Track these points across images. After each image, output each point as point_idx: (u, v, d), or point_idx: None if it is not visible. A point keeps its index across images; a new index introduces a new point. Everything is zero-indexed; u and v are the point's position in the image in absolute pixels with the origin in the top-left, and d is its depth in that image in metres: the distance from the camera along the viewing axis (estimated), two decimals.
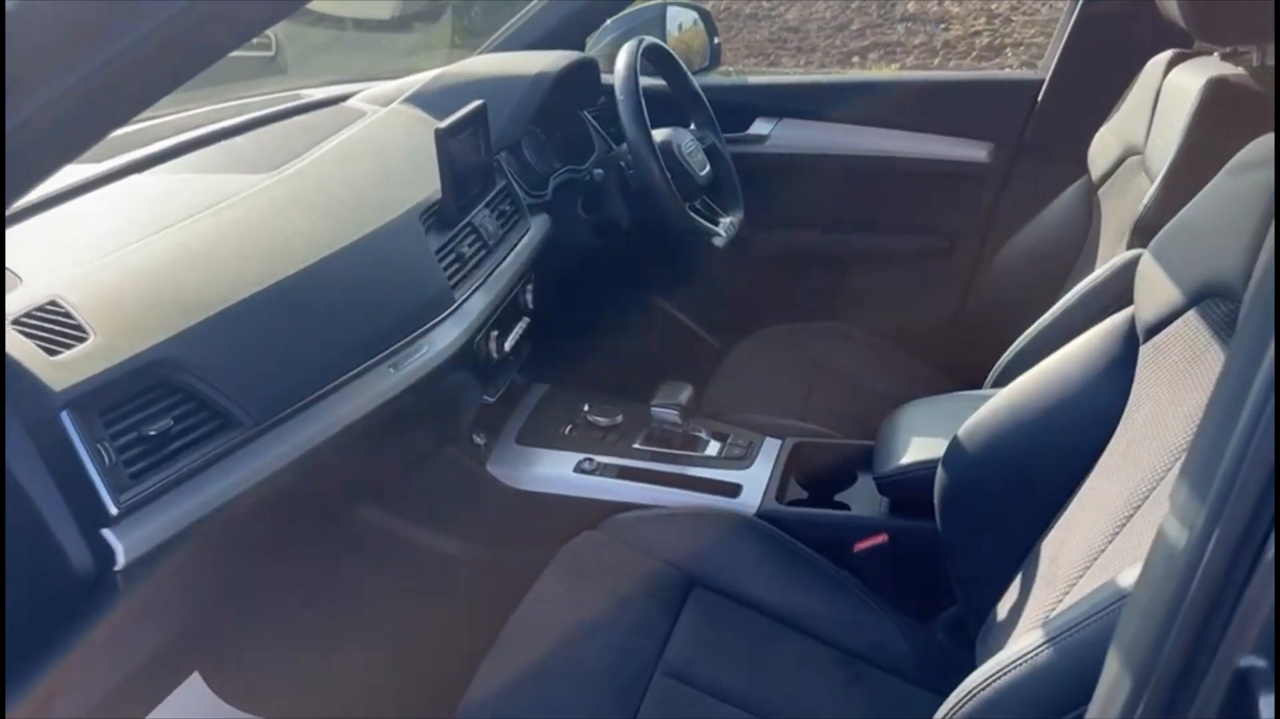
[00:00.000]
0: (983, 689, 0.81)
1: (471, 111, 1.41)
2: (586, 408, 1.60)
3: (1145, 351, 1.08)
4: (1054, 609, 1.03)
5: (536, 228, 1.63)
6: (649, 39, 1.74)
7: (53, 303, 0.92)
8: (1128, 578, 0.76)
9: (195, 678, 1.57)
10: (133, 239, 1.05)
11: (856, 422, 1.70)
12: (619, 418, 1.57)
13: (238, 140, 1.43)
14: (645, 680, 1.16)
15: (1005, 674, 0.80)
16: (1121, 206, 1.65)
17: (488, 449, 1.51)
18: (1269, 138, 0.97)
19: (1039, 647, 0.79)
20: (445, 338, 1.27)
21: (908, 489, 1.35)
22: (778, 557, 1.34)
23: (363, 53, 2.00)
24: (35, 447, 0.83)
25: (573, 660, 1.17)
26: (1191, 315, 1.01)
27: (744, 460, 1.50)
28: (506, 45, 2.00)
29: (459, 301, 1.31)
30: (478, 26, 2.34)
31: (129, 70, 0.69)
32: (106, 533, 0.86)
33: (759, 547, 1.35)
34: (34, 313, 0.90)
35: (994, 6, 13.62)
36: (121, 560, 0.86)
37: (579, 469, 1.48)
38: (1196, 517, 0.58)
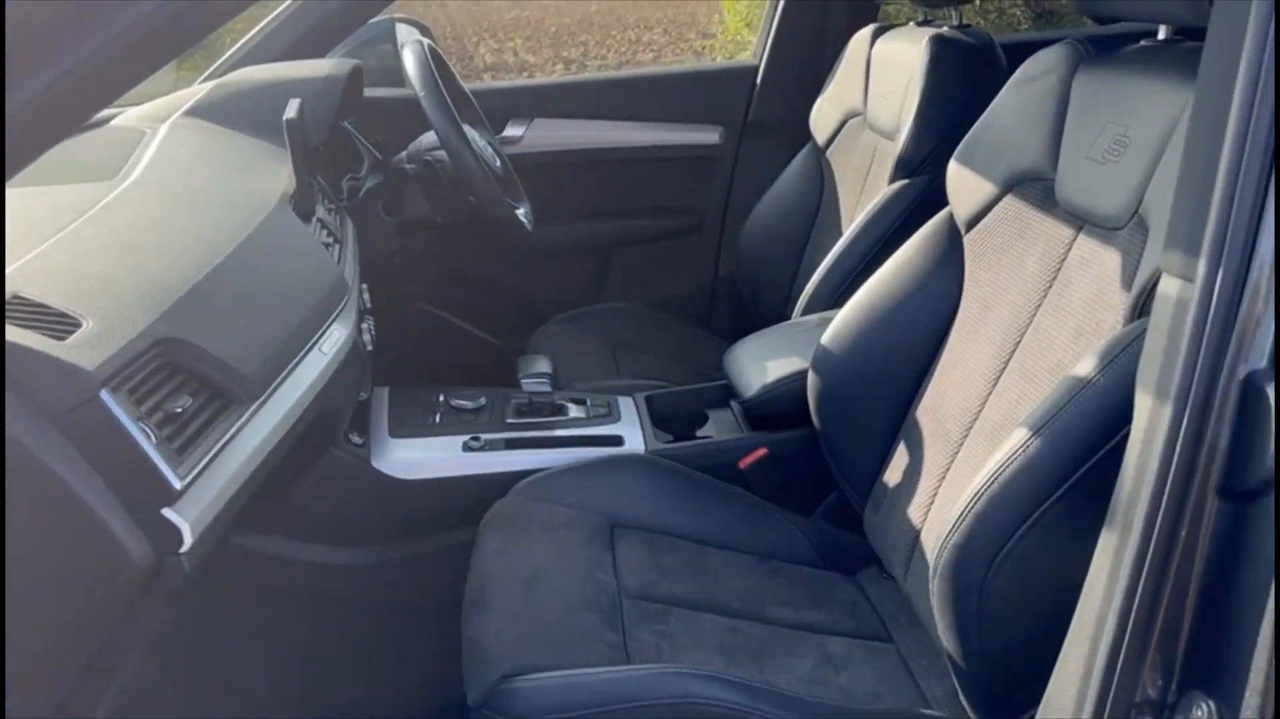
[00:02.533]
0: (989, 487, 0.99)
1: (301, 106, 1.38)
2: (443, 397, 1.60)
3: (970, 240, 1.33)
4: (955, 454, 1.25)
5: (351, 229, 1.61)
6: (427, 41, 1.78)
7: (16, 296, 0.82)
8: (1083, 369, 0.97)
9: None
10: (47, 237, 0.95)
11: (666, 377, 1.86)
12: (482, 399, 1.59)
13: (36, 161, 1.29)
14: (618, 604, 1.23)
15: (1006, 469, 0.98)
16: (852, 160, 1.96)
17: (366, 449, 1.47)
18: (1048, 51, 1.26)
19: (1026, 440, 0.98)
20: (346, 326, 1.24)
21: (776, 405, 1.52)
22: (680, 486, 1.45)
23: None
24: (70, 438, 0.75)
25: (548, 599, 1.21)
26: (1009, 200, 1.28)
27: (611, 417, 1.59)
28: (245, 62, 1.93)
29: (352, 289, 1.29)
30: (204, 47, 2.17)
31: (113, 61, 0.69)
32: (169, 513, 0.78)
33: (662, 480, 1.45)
34: (13, 304, 0.80)
35: (566, 55, 14.60)
36: (189, 539, 0.79)
37: (467, 448, 1.48)
38: (1194, 269, 0.79)
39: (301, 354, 1.08)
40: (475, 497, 1.42)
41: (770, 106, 2.21)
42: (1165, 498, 0.80)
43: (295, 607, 1.40)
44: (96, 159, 1.32)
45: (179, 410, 0.83)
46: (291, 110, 1.33)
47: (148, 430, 0.79)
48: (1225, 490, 0.79)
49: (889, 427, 1.38)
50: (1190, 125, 0.84)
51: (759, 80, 2.21)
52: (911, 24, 1.87)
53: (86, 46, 0.65)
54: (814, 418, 1.42)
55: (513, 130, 2.15)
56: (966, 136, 1.35)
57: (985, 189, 1.30)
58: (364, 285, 1.57)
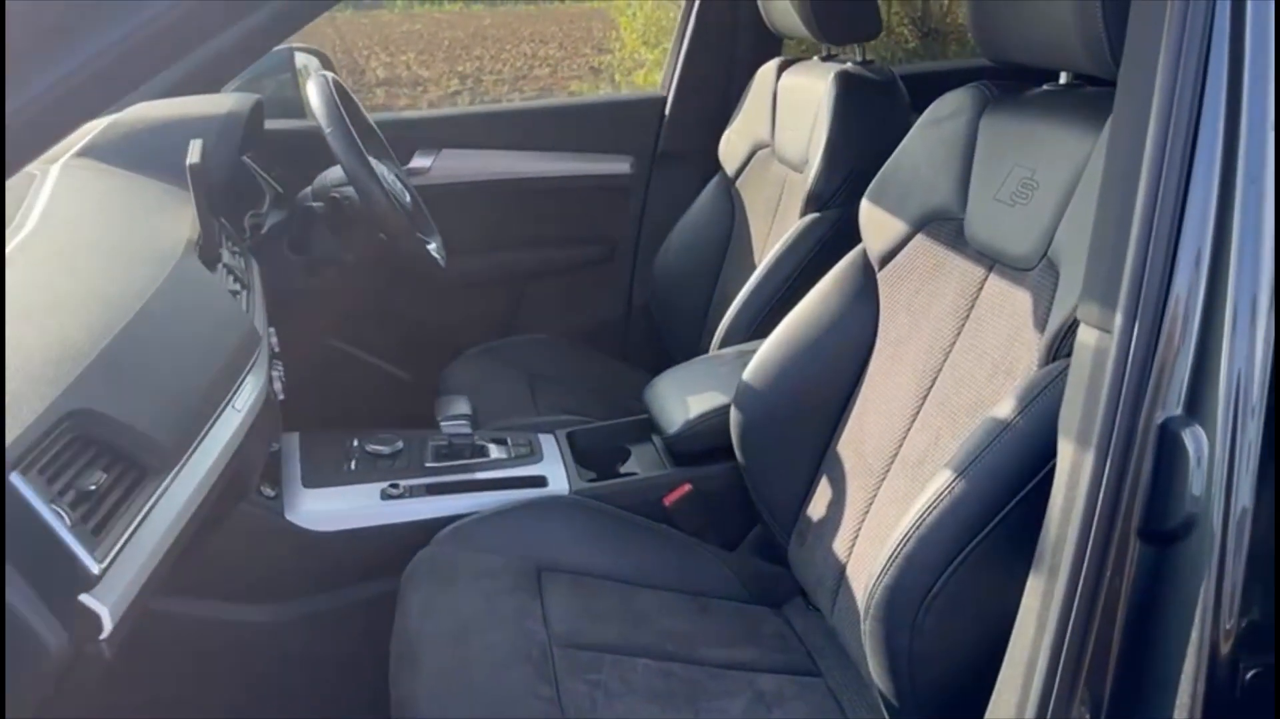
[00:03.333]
0: (916, 529, 1.01)
1: (204, 149, 1.33)
2: (357, 442, 1.56)
3: (883, 277, 1.36)
4: (879, 487, 1.27)
5: (255, 270, 1.56)
6: (330, 75, 1.74)
7: None
8: (1002, 412, 1.00)
9: None
10: None
11: (585, 410, 1.85)
12: (399, 444, 1.56)
13: None
14: (549, 655, 1.21)
15: (932, 511, 1.00)
16: (763, 191, 1.98)
17: (279, 500, 1.42)
18: (954, 94, 1.29)
19: (950, 483, 1.00)
20: (259, 377, 1.20)
21: (699, 440, 1.53)
22: (605, 526, 1.45)
23: None
24: None
25: (482, 648, 1.18)
26: (920, 239, 1.31)
27: (533, 456, 1.58)
28: (138, 95, 1.85)
29: (263, 339, 1.24)
30: None
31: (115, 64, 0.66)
32: (87, 599, 0.74)
33: (587, 522, 1.44)
34: None
35: (460, 69, 14.43)
36: (109, 625, 0.75)
37: (386, 496, 1.45)
38: (1113, 322, 0.82)
39: (216, 414, 1.03)
40: (396, 546, 1.38)
41: (680, 137, 2.23)
42: (1090, 541, 0.83)
43: (216, 667, 1.35)
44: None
45: (92, 488, 0.79)
46: (194, 154, 1.28)
47: (61, 512, 0.74)
48: (1146, 532, 0.82)
49: (811, 460, 1.40)
50: (1103, 181, 0.88)
51: (668, 111, 2.22)
52: (815, 58, 1.91)
53: (95, 45, 0.62)
54: (737, 453, 1.43)
55: (420, 161, 2.11)
56: (877, 175, 1.38)
57: (897, 227, 1.33)
58: (271, 329, 1.52)
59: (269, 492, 1.41)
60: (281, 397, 1.38)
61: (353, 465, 1.51)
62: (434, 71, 13.82)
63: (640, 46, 6.39)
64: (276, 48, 2.12)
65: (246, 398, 1.14)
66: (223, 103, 1.63)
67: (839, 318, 1.38)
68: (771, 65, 1.97)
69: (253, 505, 1.36)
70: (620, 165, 2.22)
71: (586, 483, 1.54)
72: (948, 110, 1.30)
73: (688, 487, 1.51)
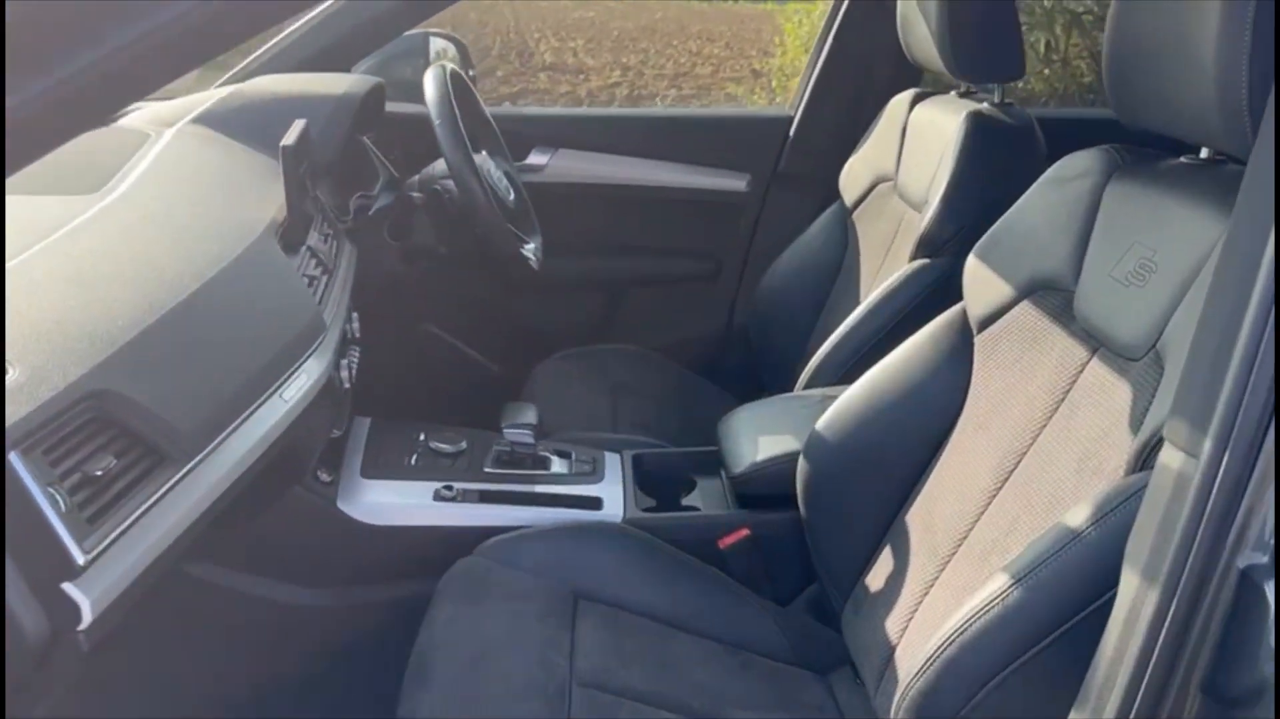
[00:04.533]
0: (960, 634, 0.92)
1: (304, 129, 1.34)
2: (424, 436, 1.55)
3: (980, 341, 1.26)
4: (942, 569, 1.18)
5: (350, 254, 1.56)
6: (451, 65, 1.73)
7: None
8: (1074, 520, 0.90)
9: None
10: (21, 263, 0.91)
11: (670, 434, 1.79)
12: (463, 443, 1.54)
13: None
14: (566, 693, 1.16)
15: (982, 616, 0.91)
16: (879, 226, 1.89)
17: (334, 487, 1.42)
18: (1085, 154, 1.18)
19: (1006, 589, 0.91)
20: (319, 365, 1.19)
21: (765, 484, 1.45)
22: (653, 561, 1.39)
23: None
24: None
25: (491, 682, 1.15)
26: (1025, 306, 1.20)
27: (594, 475, 1.54)
28: (271, 65, 1.90)
29: (329, 327, 1.24)
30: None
31: (140, 58, 0.64)
32: (69, 588, 0.73)
33: (634, 553, 1.39)
34: None
35: (625, 60, 14.55)
36: (88, 617, 0.74)
37: (439, 497, 1.43)
38: (1201, 447, 0.72)
39: (258, 402, 1.03)
40: (440, 549, 1.36)
41: (801, 159, 2.14)
42: (1142, 690, 0.73)
43: (239, 641, 1.36)
44: (89, 165, 1.28)
45: (99, 473, 0.78)
46: (291, 136, 1.28)
47: (58, 497, 0.74)
48: (1211, 690, 0.72)
49: (877, 526, 1.31)
50: (1214, 276, 0.77)
51: (792, 131, 2.14)
52: (954, 93, 1.80)
53: (112, 41, 0.61)
54: (800, 505, 1.36)
55: (536, 158, 2.09)
56: (989, 231, 1.28)
57: (1002, 290, 1.23)
58: (355, 314, 1.52)
59: (325, 477, 1.41)
60: (348, 385, 1.37)
61: (413, 460, 1.50)
62: (599, 61, 13.96)
63: (802, 54, 6.28)
64: (412, 31, 2.14)
65: (299, 387, 1.13)
66: (340, 83, 1.65)
67: (927, 378, 1.29)
68: (905, 96, 1.87)
69: (305, 490, 1.37)
70: (736, 182, 2.16)
71: (642, 511, 1.48)
72: (1073, 171, 1.19)
73: (745, 531, 1.44)
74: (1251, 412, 0.69)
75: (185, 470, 0.88)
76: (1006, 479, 1.14)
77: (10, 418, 0.72)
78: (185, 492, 0.88)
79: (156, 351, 0.90)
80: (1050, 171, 1.23)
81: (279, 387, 1.08)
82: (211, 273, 1.05)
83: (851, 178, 2.00)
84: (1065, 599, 0.87)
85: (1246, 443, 0.69)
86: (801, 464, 1.35)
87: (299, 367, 1.14)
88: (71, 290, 0.90)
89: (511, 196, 1.78)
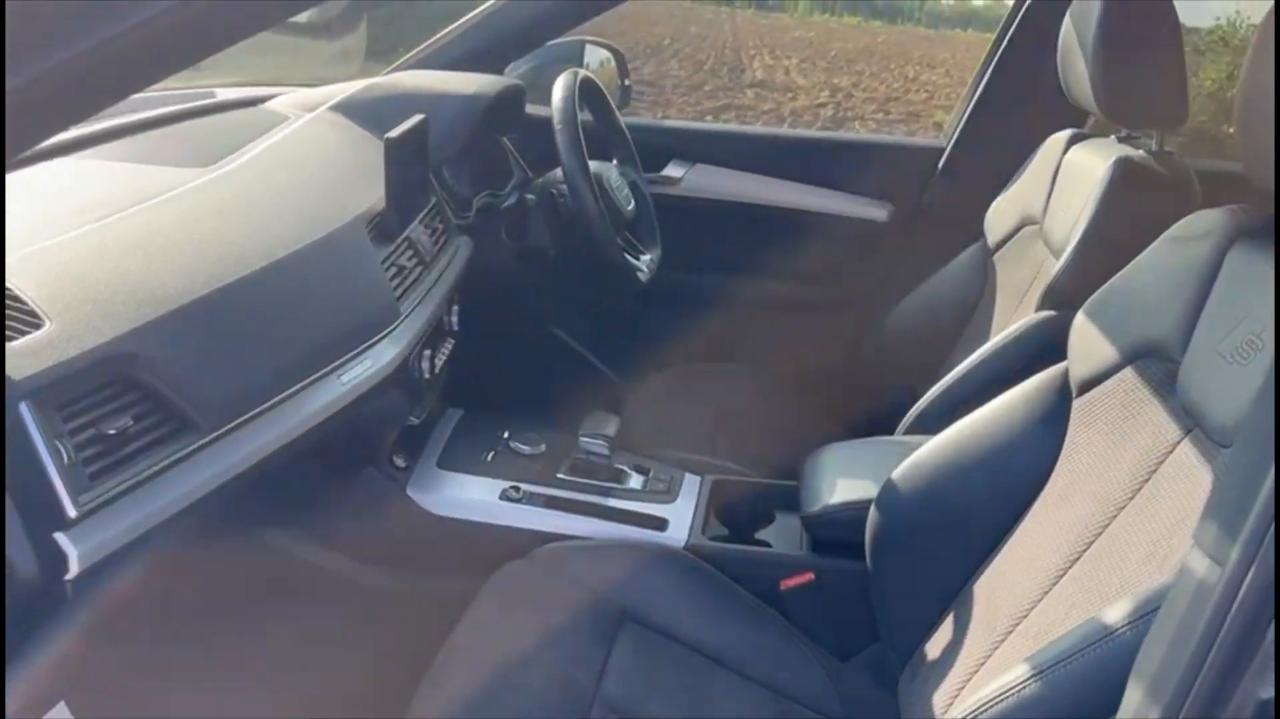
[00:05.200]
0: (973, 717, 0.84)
1: (416, 124, 1.38)
2: (507, 434, 1.56)
3: (1078, 405, 1.15)
4: (995, 648, 1.08)
5: (463, 249, 1.60)
6: (584, 72, 1.75)
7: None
8: (1112, 615, 0.80)
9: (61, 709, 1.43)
10: (77, 225, 0.97)
11: (763, 461, 1.74)
12: (542, 446, 1.54)
13: (163, 133, 1.35)
14: (585, 713, 1.14)
15: (994, 705, 0.83)
16: (1018, 271, 1.76)
17: (408, 473, 1.45)
18: (1209, 213, 1.06)
19: (1025, 680, 0.82)
20: (388, 353, 1.22)
21: (836, 529, 1.38)
22: (707, 592, 1.35)
23: (277, 56, 1.92)
24: None
25: (514, 689, 1.14)
26: (1127, 373, 1.09)
27: (668, 495, 1.51)
28: (426, 63, 1.96)
29: (404, 315, 1.27)
30: (395, 41, 2.27)
31: (126, 51, 0.66)
32: (60, 538, 0.77)
33: (689, 581, 1.35)
34: None
35: (836, 81, 14.36)
36: (74, 568, 0.78)
37: (505, 497, 1.44)
38: (1228, 554, 0.62)
39: (306, 382, 1.06)
40: (496, 548, 1.37)
41: (947, 193, 2.03)
42: None
43: (285, 604, 1.40)
44: (218, 142, 1.36)
45: (112, 432, 0.82)
46: (399, 129, 1.32)
47: (64, 449, 0.78)
48: None
49: (944, 591, 1.21)
50: (1272, 377, 0.67)
51: (942, 163, 2.04)
52: (1113, 137, 1.66)
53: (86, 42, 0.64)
54: (867, 557, 1.28)
55: (673, 170, 2.08)
56: (1103, 288, 1.17)
57: (1106, 353, 1.12)
58: (455, 307, 1.56)
59: (400, 462, 1.45)
60: (428, 375, 1.40)
61: (490, 457, 1.52)
62: (810, 80, 13.83)
63: None
64: (569, 37, 2.17)
65: (362, 372, 1.16)
66: (473, 83, 1.69)
67: (1016, 439, 1.19)
68: (1062, 136, 1.74)
69: (378, 472, 1.40)
70: (878, 211, 2.07)
71: (707, 539, 1.44)
72: (1196, 230, 1.07)
73: (810, 576, 1.37)
74: None
75: (209, 439, 0.92)
76: (1076, 560, 1.03)
77: (30, 370, 0.77)
78: (207, 460, 0.91)
79: (201, 322, 0.94)
80: (1175, 229, 1.11)
81: (336, 369, 1.11)
82: (282, 253, 1.09)
83: (997, 217, 1.88)
84: (1083, 700, 0.77)
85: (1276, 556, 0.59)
86: (872, 513, 1.28)
87: (363, 351, 1.17)
88: (135, 257, 0.96)
89: (631, 206, 1.77)
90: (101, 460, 0.82)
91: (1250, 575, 0.60)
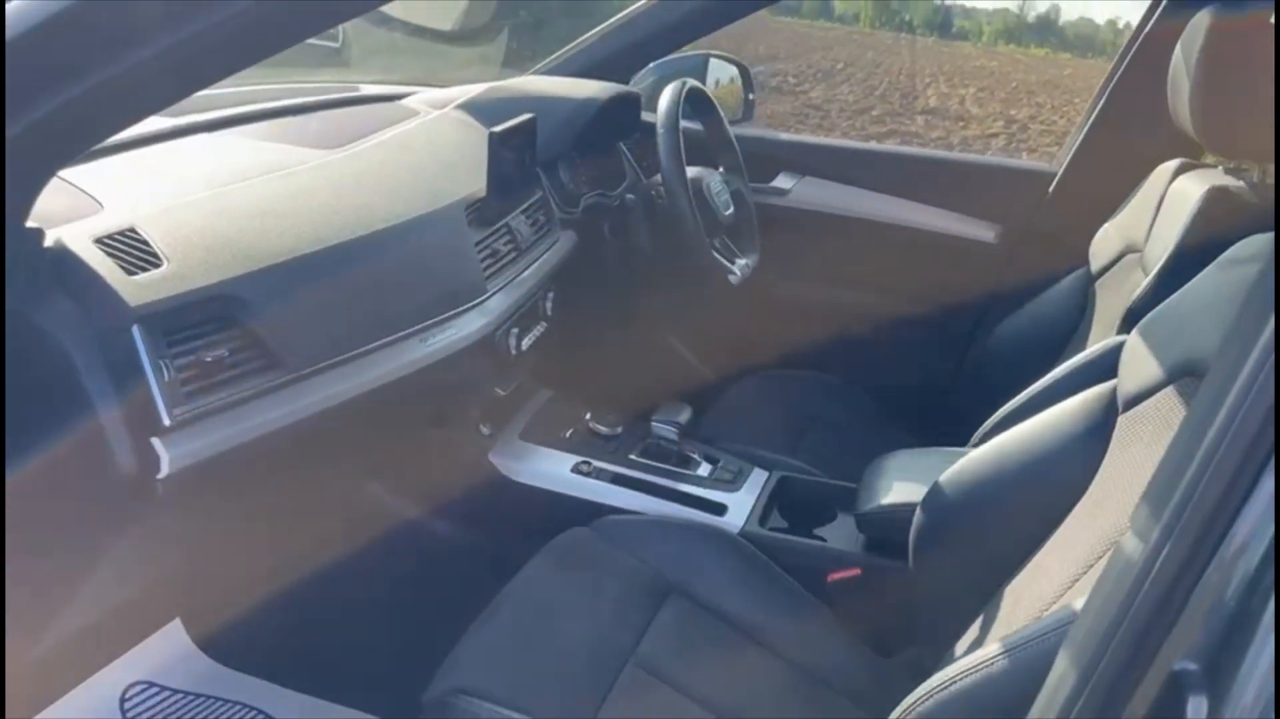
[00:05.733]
0: (940, 691, 0.88)
1: (522, 122, 1.50)
2: (589, 416, 1.67)
3: (1123, 422, 1.16)
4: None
5: (564, 241, 1.72)
6: (693, 82, 1.84)
7: (131, 229, 0.99)
8: (1081, 601, 0.83)
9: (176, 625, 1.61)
10: (210, 187, 1.13)
11: (841, 469, 1.78)
12: (619, 429, 1.64)
13: (303, 118, 1.52)
14: (618, 667, 1.22)
15: (961, 680, 0.87)
16: (1116, 298, 1.74)
17: (491, 440, 1.58)
18: (1262, 237, 1.06)
19: (994, 657, 0.86)
20: (472, 324, 1.35)
21: (885, 528, 1.42)
22: (754, 575, 1.41)
23: (421, 59, 2.10)
24: (102, 355, 0.90)
25: (553, 636, 1.23)
26: (1169, 391, 1.10)
27: (732, 484, 1.58)
28: (556, 70, 2.10)
29: (489, 293, 1.39)
30: (531, 50, 2.43)
31: (208, 48, 0.79)
32: (156, 442, 0.92)
33: (738, 563, 1.42)
34: (115, 235, 0.97)
35: (1013, 112, 13.84)
36: (165, 469, 0.92)
37: (576, 470, 1.54)
38: (1152, 533, 0.66)
39: (390, 339, 1.19)
40: (563, 516, 1.47)
41: (1056, 218, 2.02)
42: None
43: (365, 541, 1.53)
44: (351, 129, 1.52)
45: (209, 359, 0.97)
46: (503, 125, 1.45)
47: (166, 368, 0.93)
48: None
49: (978, 596, 1.24)
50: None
51: (1052, 188, 2.03)
52: (1221, 167, 1.63)
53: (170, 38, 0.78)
54: (909, 556, 1.32)
55: (782, 182, 2.15)
56: (1158, 307, 1.18)
57: (1152, 370, 1.13)
58: (550, 294, 1.68)
59: (485, 430, 1.57)
60: (514, 352, 1.52)
61: (569, 434, 1.63)
62: (985, 110, 13.49)
63: None
64: (696, 51, 2.27)
65: (446, 338, 1.29)
66: (587, 89, 1.81)
67: (1057, 450, 1.21)
68: (1170, 165, 1.72)
69: (466, 437, 1.54)
70: (985, 232, 2.08)
71: (763, 529, 1.50)
72: (1247, 253, 1.07)
73: (856, 571, 1.42)
74: (1204, 504, 0.63)
75: (293, 377, 1.06)
76: (1091, 566, 1.05)
77: (144, 299, 0.92)
78: (290, 395, 1.05)
79: (299, 277, 1.09)
80: (1228, 252, 1.11)
81: (419, 331, 1.24)
82: (382, 226, 1.23)
83: (1103, 244, 1.86)
84: (1037, 683, 0.81)
85: (1194, 535, 0.63)
86: (916, 515, 1.31)
87: (448, 320, 1.30)
88: (251, 218, 1.11)
89: (729, 211, 1.85)
90: (197, 382, 0.96)
91: (1168, 547, 0.63)
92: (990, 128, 11.86)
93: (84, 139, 0.86)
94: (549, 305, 1.68)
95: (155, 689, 1.49)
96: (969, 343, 2.10)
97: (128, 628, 1.52)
